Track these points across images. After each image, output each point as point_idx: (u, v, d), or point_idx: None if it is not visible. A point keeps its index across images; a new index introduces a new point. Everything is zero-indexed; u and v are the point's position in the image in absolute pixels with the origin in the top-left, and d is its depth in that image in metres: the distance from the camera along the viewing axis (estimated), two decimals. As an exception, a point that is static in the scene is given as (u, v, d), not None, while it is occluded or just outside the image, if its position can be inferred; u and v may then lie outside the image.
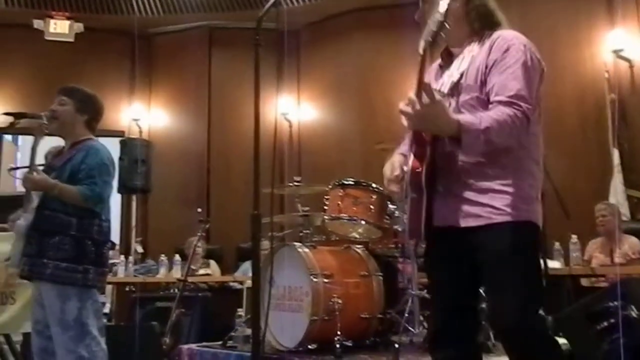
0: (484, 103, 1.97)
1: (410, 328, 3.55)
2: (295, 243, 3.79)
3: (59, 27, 8.40)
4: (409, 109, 1.86)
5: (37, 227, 3.02)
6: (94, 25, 8.55)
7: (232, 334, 3.94)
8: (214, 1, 8.52)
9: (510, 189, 1.94)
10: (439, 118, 1.85)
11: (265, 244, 2.94)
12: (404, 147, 2.18)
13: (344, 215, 3.81)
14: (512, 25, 2.15)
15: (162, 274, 6.25)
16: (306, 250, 3.66)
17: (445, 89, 2.04)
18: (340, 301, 3.47)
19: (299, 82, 8.83)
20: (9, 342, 4.21)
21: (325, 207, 3.96)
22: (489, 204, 1.94)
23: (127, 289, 6.47)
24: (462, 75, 2.03)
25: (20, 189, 3.49)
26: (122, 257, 6.48)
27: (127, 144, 6.91)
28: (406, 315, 3.55)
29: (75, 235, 3.01)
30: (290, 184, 4.17)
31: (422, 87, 1.86)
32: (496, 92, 1.94)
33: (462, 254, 1.99)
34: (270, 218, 2.45)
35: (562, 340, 3.60)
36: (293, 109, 8.76)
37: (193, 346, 4.04)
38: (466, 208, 1.96)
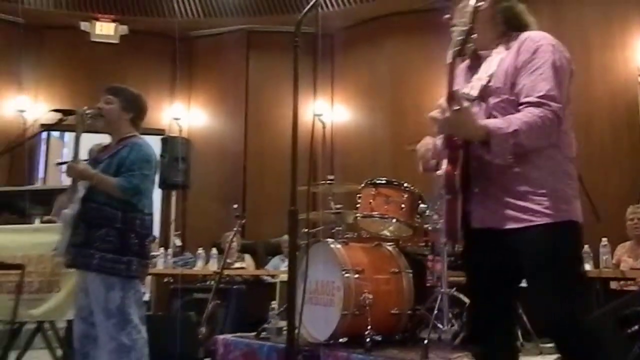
0: (515, 104, 1.93)
1: (439, 325, 3.52)
2: (328, 239, 3.78)
3: (105, 29, 8.54)
4: (438, 116, 1.87)
5: (84, 218, 3.07)
6: (138, 28, 8.67)
7: (266, 325, 3.95)
8: (252, 6, 8.56)
9: (548, 190, 1.91)
10: (468, 124, 1.84)
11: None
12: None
13: (376, 213, 3.80)
14: (544, 30, 2.09)
15: (199, 267, 6.30)
16: (339, 246, 3.66)
17: (475, 92, 2.01)
18: (370, 296, 3.46)
19: (332, 85, 8.83)
20: (53, 328, 4.29)
21: (358, 205, 3.94)
22: (528, 207, 1.91)
23: (165, 280, 6.54)
24: (490, 77, 1.99)
25: (66, 182, 3.54)
26: (162, 250, 6.55)
27: (168, 142, 6.99)
28: (435, 312, 3.51)
29: (120, 227, 3.05)
30: (324, 183, 4.16)
31: (451, 94, 1.85)
32: (526, 93, 1.91)
33: (501, 254, 1.96)
34: (306, 215, 2.45)
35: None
36: (327, 110, 8.77)
37: (228, 336, 4.06)
38: (505, 210, 1.94)
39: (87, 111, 3.16)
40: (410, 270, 3.74)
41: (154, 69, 8.97)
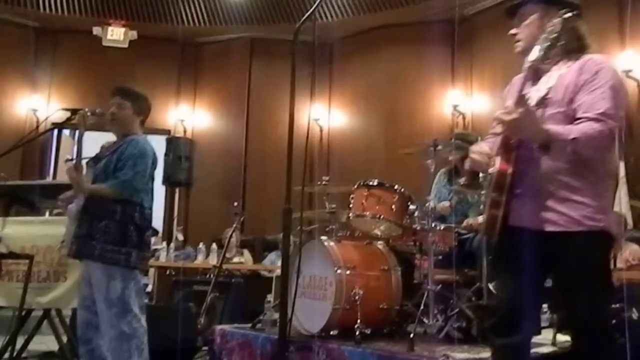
0: (570, 118, 1.98)
1: (424, 320, 3.51)
2: (322, 237, 3.77)
3: (116, 34, 8.53)
4: (505, 117, 1.89)
5: (87, 211, 3.05)
6: (147, 33, 8.66)
7: (261, 317, 3.94)
8: (256, 15, 8.55)
9: (588, 200, 1.95)
10: (533, 126, 1.90)
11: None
12: (488, 143, 2.20)
13: (368, 213, 3.78)
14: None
15: (199, 260, 6.29)
16: (332, 244, 3.64)
17: (532, 103, 2.02)
18: (361, 292, 3.45)
19: (330, 91, 8.83)
20: (59, 315, 4.27)
21: (351, 205, 3.93)
22: (567, 213, 1.95)
23: (167, 272, 6.51)
24: (549, 90, 2.03)
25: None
26: (164, 244, 6.54)
27: (173, 142, 6.94)
28: (422, 307, 3.50)
29: (120, 220, 3.03)
30: (319, 183, 4.15)
31: (521, 97, 1.89)
32: (585, 110, 1.95)
33: (534, 254, 1.98)
34: (300, 213, 2.44)
35: (566, 338, 3.52)
36: (324, 115, 8.76)
37: (225, 327, 4.04)
38: (544, 213, 1.97)
39: (88, 112, 3.12)
40: (399, 268, 3.73)
41: (161, 73, 8.96)
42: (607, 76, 1.98)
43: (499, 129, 2.03)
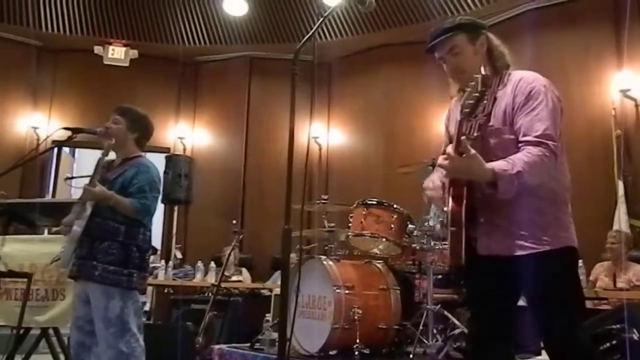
0: (515, 142, 2.00)
1: (424, 340, 3.49)
2: (321, 256, 3.76)
3: (116, 53, 8.58)
4: (446, 163, 1.91)
5: (89, 232, 3.03)
6: (147, 52, 8.71)
7: (260, 337, 3.91)
8: (254, 34, 8.61)
9: (549, 220, 1.98)
10: (476, 169, 1.90)
11: (292, 256, 2.92)
12: (439, 172, 2.19)
13: (367, 232, 3.79)
14: (526, 65, 2.15)
15: (198, 279, 6.25)
16: (331, 263, 3.64)
17: (474, 133, 2.00)
18: (360, 311, 3.44)
19: (329, 110, 8.85)
20: (57, 334, 4.23)
21: (350, 224, 3.93)
22: (531, 235, 1.97)
23: (165, 290, 6.48)
24: (488, 116, 2.01)
25: (75, 196, 3.51)
26: (163, 262, 6.50)
27: (172, 160, 6.98)
28: (421, 327, 3.49)
29: (123, 241, 3.03)
30: (318, 202, 4.15)
31: (459, 143, 1.89)
32: (524, 133, 1.97)
33: (504, 277, 2.01)
34: (300, 232, 2.43)
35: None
36: (323, 133, 8.79)
37: (223, 346, 4.02)
38: (511, 239, 2.00)
39: (98, 131, 3.15)
40: (398, 287, 3.72)
41: (161, 91, 8.99)
42: (539, 95, 2.00)
43: (443, 174, 2.04)
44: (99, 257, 2.98)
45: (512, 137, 2.00)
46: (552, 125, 1.96)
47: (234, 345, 4.06)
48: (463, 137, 1.91)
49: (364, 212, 3.83)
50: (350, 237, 3.91)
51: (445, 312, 3.58)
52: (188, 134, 9.12)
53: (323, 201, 4.13)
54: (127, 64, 8.57)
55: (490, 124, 2.02)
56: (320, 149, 8.73)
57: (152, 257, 3.75)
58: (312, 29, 2.37)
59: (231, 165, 8.76)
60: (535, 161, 1.90)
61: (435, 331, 3.56)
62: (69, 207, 3.22)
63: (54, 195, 8.31)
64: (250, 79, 9.04)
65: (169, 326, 4.95)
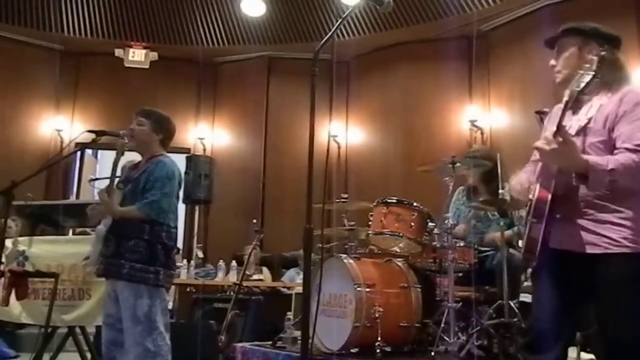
0: (609, 147, 2.03)
1: (445, 338, 3.48)
2: (342, 255, 3.78)
3: (137, 56, 8.69)
4: (545, 146, 1.94)
5: (115, 231, 3.10)
6: (167, 54, 8.81)
7: (282, 335, 3.94)
8: (273, 35, 8.65)
9: (628, 223, 1.99)
10: (572, 156, 1.94)
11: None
12: (527, 173, 2.27)
13: (387, 230, 3.79)
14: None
15: (219, 278, 6.30)
16: (351, 261, 3.65)
17: (572, 131, 2.07)
18: (381, 309, 3.44)
19: (347, 108, 8.86)
20: (84, 333, 4.31)
21: (370, 223, 3.94)
22: (607, 235, 1.99)
23: (188, 290, 6.53)
24: (590, 120, 2.07)
25: (97, 198, 3.58)
26: (185, 261, 6.56)
27: (193, 160, 7.04)
28: (442, 325, 3.48)
29: (148, 239, 3.08)
30: (338, 200, 4.16)
31: (560, 128, 1.92)
32: (623, 140, 2.00)
33: (573, 275, 2.04)
34: (320, 231, 2.45)
35: (589, 356, 3.48)
36: (342, 132, 8.80)
37: (246, 345, 4.05)
38: (584, 236, 2.02)
39: (123, 135, 3.20)
40: (419, 285, 3.72)
41: (181, 92, 9.07)
42: None
43: (538, 157, 2.08)
44: (127, 255, 3.04)
45: (609, 140, 2.03)
46: None
47: (256, 343, 4.09)
48: (563, 124, 1.94)
49: (384, 211, 3.83)
50: (370, 235, 3.91)
51: (467, 310, 3.56)
52: (208, 134, 9.19)
53: (343, 200, 4.14)
54: (147, 66, 8.68)
55: (590, 125, 2.07)
56: (339, 148, 8.74)
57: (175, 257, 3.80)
58: (329, 28, 2.40)
59: (251, 165, 8.82)
60: (631, 165, 1.93)
61: (456, 329, 3.55)
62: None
63: (77, 196, 8.44)
64: (268, 79, 9.08)
65: (192, 324, 5.00)
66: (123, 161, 3.55)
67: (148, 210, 3.07)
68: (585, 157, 1.96)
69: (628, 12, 6.47)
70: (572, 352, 3.43)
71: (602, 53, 1.94)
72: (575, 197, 2.03)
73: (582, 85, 1.93)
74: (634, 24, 6.39)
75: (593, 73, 1.91)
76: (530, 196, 2.08)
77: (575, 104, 2.14)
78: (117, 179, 3.24)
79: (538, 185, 2.07)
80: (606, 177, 1.92)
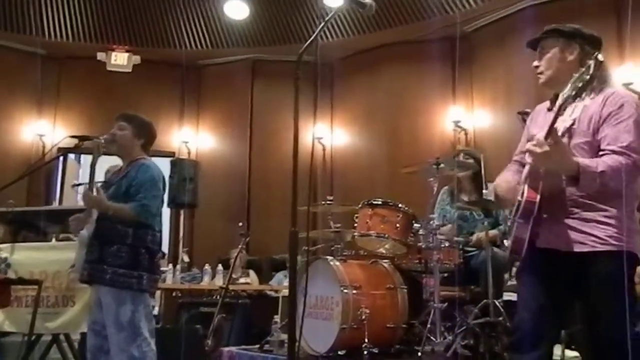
0: (594, 149, 2.05)
1: (432, 338, 3.50)
2: (328, 257, 3.78)
3: (119, 59, 8.61)
4: (536, 149, 1.94)
5: (98, 236, 3.08)
6: (150, 58, 8.74)
7: (269, 338, 3.94)
8: (257, 37, 8.64)
9: (612, 221, 2.02)
10: (563, 158, 1.95)
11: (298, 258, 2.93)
12: (510, 171, 2.30)
13: (372, 232, 3.80)
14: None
15: (205, 282, 6.27)
16: (337, 263, 3.66)
17: (558, 133, 2.06)
18: (367, 311, 3.45)
19: (332, 110, 8.86)
20: (68, 340, 4.27)
21: (355, 225, 3.95)
22: (593, 234, 2.02)
23: (173, 294, 6.50)
24: (574, 121, 2.09)
25: (81, 203, 3.55)
26: (170, 266, 6.52)
27: (177, 164, 7.02)
28: (429, 326, 3.50)
29: (132, 244, 3.06)
30: (323, 203, 4.17)
31: (551, 130, 1.93)
32: (608, 142, 2.02)
33: (560, 274, 2.05)
34: (306, 234, 2.45)
35: (574, 354, 3.51)
36: (327, 134, 8.81)
37: (233, 349, 4.05)
38: (571, 235, 2.04)
39: (102, 138, 3.18)
40: (405, 286, 3.74)
41: (164, 96, 9.02)
42: (630, 110, 2.05)
43: (528, 159, 2.09)
44: (109, 260, 3.02)
45: (592, 142, 2.05)
46: (637, 140, 2.01)
47: (243, 347, 4.08)
48: (554, 127, 1.95)
49: (369, 212, 3.85)
50: (356, 237, 3.93)
51: (452, 310, 3.58)
52: (192, 137, 9.16)
53: (328, 202, 4.15)
54: (130, 70, 8.61)
55: (575, 126, 2.08)
56: (324, 150, 8.76)
57: (160, 261, 3.78)
58: (313, 30, 2.40)
59: (236, 168, 8.79)
60: (619, 167, 1.96)
61: (443, 329, 3.57)
62: (75, 213, 3.25)
63: (60, 202, 8.35)
64: (253, 82, 9.07)
65: (178, 329, 4.97)
66: (107, 165, 3.53)
67: (139, 212, 3.06)
68: (575, 159, 1.98)
69: (608, 13, 6.55)
70: (557, 349, 3.46)
71: (600, 58, 1.94)
72: (562, 196, 2.05)
73: (578, 89, 1.94)
74: (614, 25, 6.47)
75: (589, 77, 1.91)
76: (519, 197, 2.10)
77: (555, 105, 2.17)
78: (98, 183, 3.22)
79: (526, 186, 2.09)
80: (596, 179, 1.94)
